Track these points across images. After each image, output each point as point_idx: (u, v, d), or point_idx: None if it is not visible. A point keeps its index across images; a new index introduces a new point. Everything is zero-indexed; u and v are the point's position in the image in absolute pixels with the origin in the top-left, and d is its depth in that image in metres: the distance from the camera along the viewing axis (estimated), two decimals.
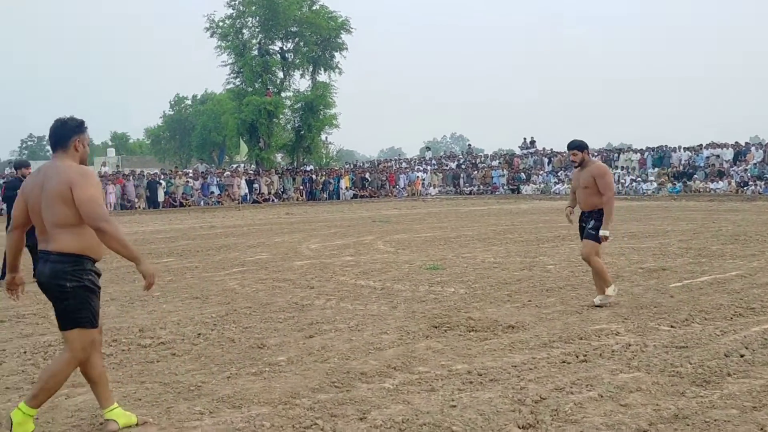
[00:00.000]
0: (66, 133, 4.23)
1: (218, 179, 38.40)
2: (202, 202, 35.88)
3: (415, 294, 8.65)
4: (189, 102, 76.05)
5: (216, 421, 4.38)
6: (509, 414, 4.34)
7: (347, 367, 5.50)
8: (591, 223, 7.63)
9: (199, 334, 6.81)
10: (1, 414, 4.63)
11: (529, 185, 40.37)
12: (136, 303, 8.57)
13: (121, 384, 5.24)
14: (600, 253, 7.72)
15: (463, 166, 46.93)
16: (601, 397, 4.64)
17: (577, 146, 7.70)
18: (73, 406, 4.77)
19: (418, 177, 44.52)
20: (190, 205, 34.68)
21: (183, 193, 35.57)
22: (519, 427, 4.14)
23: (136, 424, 4.36)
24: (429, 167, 48.08)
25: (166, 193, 34.86)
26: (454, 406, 4.49)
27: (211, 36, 41.56)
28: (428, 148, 61.40)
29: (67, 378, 4.20)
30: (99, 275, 4.26)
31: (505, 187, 41.51)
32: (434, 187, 44.26)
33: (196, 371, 5.56)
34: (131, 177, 35.65)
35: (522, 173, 42.30)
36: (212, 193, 36.89)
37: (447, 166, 48.37)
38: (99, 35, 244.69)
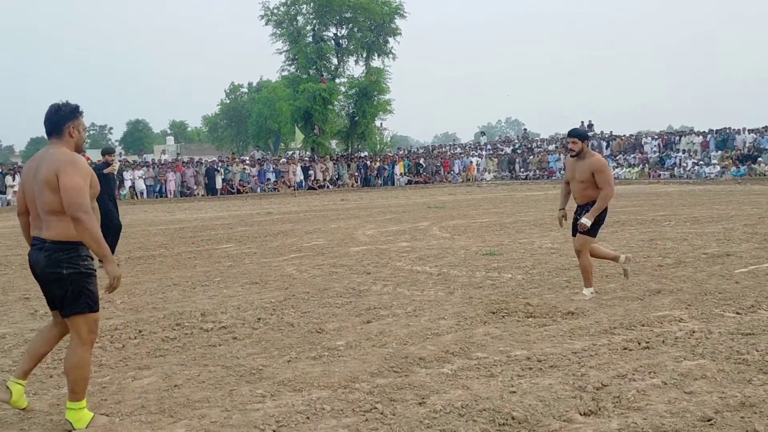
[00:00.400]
0: (60, 120, 4.20)
1: (274, 166, 38.86)
2: (258, 189, 36.35)
3: (471, 280, 8.62)
4: (245, 90, 76.91)
5: (277, 404, 4.45)
6: (570, 400, 4.30)
7: (405, 352, 5.52)
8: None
9: (259, 318, 6.92)
10: None
11: None
12: (197, 288, 8.74)
13: (185, 367, 5.37)
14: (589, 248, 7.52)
15: (518, 151, 46.43)
16: (665, 384, 4.56)
17: (578, 135, 7.44)
18: (139, 387, 4.91)
19: (472, 162, 44.22)
20: (247, 192, 35.18)
21: (240, 180, 36.08)
22: (581, 414, 4.10)
23: (23, 409, 4.37)
24: (484, 152, 47.73)
25: (223, 180, 35.43)
26: (514, 392, 4.47)
27: (266, 24, 41.96)
28: (483, 133, 61.03)
29: (89, 362, 4.24)
30: (93, 259, 4.25)
31: (562, 172, 40.84)
32: (489, 173, 43.89)
33: (257, 355, 5.66)
34: (190, 164, 36.32)
35: None
36: (268, 179, 37.32)
37: (502, 151, 47.92)
38: (155, 24, 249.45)
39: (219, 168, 36.16)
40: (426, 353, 5.47)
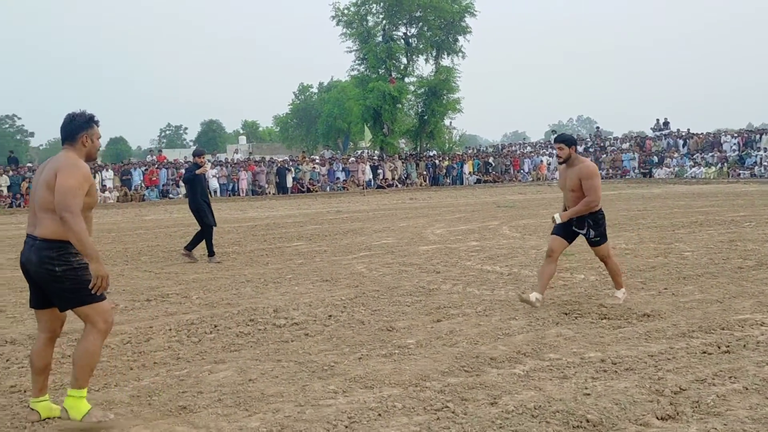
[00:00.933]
0: (74, 129, 4.31)
1: (344, 165, 39.16)
2: (328, 188, 36.69)
3: None
4: (314, 90, 77.76)
5: (349, 401, 4.50)
6: (647, 404, 4.20)
7: (476, 352, 5.50)
8: (591, 233, 7.02)
9: (330, 315, 7.00)
10: (150, 387, 4.95)
11: (662, 168, 38.65)
12: (270, 285, 8.90)
13: (259, 362, 5.48)
14: (611, 252, 7.28)
15: (590, 150, 45.50)
16: (746, 389, 4.41)
17: (564, 140, 7.04)
18: (215, 381, 5.04)
19: (543, 161, 43.57)
20: (317, 191, 35.55)
21: (310, 179, 36.50)
22: (658, 418, 4.01)
23: (59, 417, 4.37)
24: (555, 151, 46.93)
25: (294, 178, 35.90)
26: (588, 395, 4.40)
27: (337, 24, 42.24)
28: (554, 132, 60.04)
29: (99, 351, 4.28)
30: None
31: (636, 171, 39.93)
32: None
33: (329, 351, 5.72)
34: (262, 163, 36.95)
35: (654, 156, 40.59)
36: (338, 178, 37.63)
37: None
38: (226, 26, 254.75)
39: (290, 167, 36.66)
40: (497, 353, 5.44)
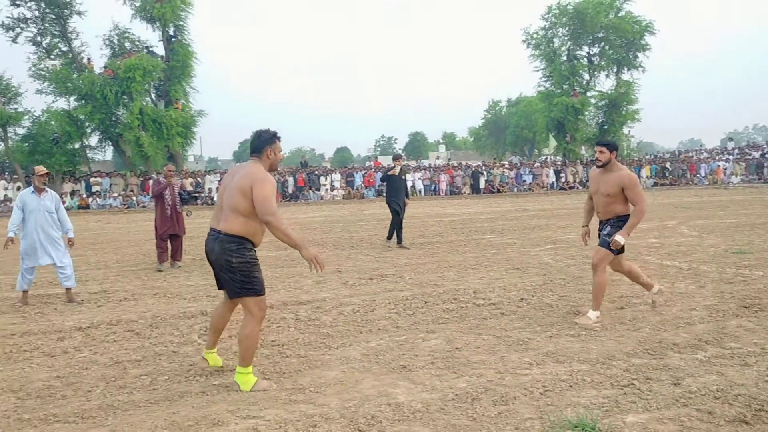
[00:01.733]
0: (260, 143, 4.37)
1: (530, 169, 38.35)
2: (515, 189, 36.10)
3: (722, 275, 7.83)
4: (503, 105, 76.84)
5: (543, 372, 4.46)
6: None
7: (659, 338, 5.20)
8: (606, 229, 5.97)
9: (522, 298, 6.94)
10: (376, 348, 5.21)
11: None
12: (468, 270, 8.98)
13: (463, 334, 5.57)
14: (624, 264, 6.09)
15: (766, 155, 40.84)
16: None
17: (607, 144, 5.96)
18: (428, 347, 5.20)
19: (719, 166, 39.75)
20: (505, 192, 35.09)
21: (500, 181, 36.14)
22: None
23: (221, 367, 4.74)
24: (731, 157, 42.70)
25: (486, 181, 35.73)
26: None
27: (527, 47, 41.49)
28: (730, 139, 54.56)
29: (258, 335, 4.33)
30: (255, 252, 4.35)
31: None
32: (736, 176, 39.16)
33: (522, 329, 5.69)
34: (458, 168, 37.18)
35: None
36: (524, 181, 36.92)
37: (750, 155, 42.50)
38: (430, 55, 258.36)
39: (482, 171, 36.54)
40: (679, 340, 5.11)
